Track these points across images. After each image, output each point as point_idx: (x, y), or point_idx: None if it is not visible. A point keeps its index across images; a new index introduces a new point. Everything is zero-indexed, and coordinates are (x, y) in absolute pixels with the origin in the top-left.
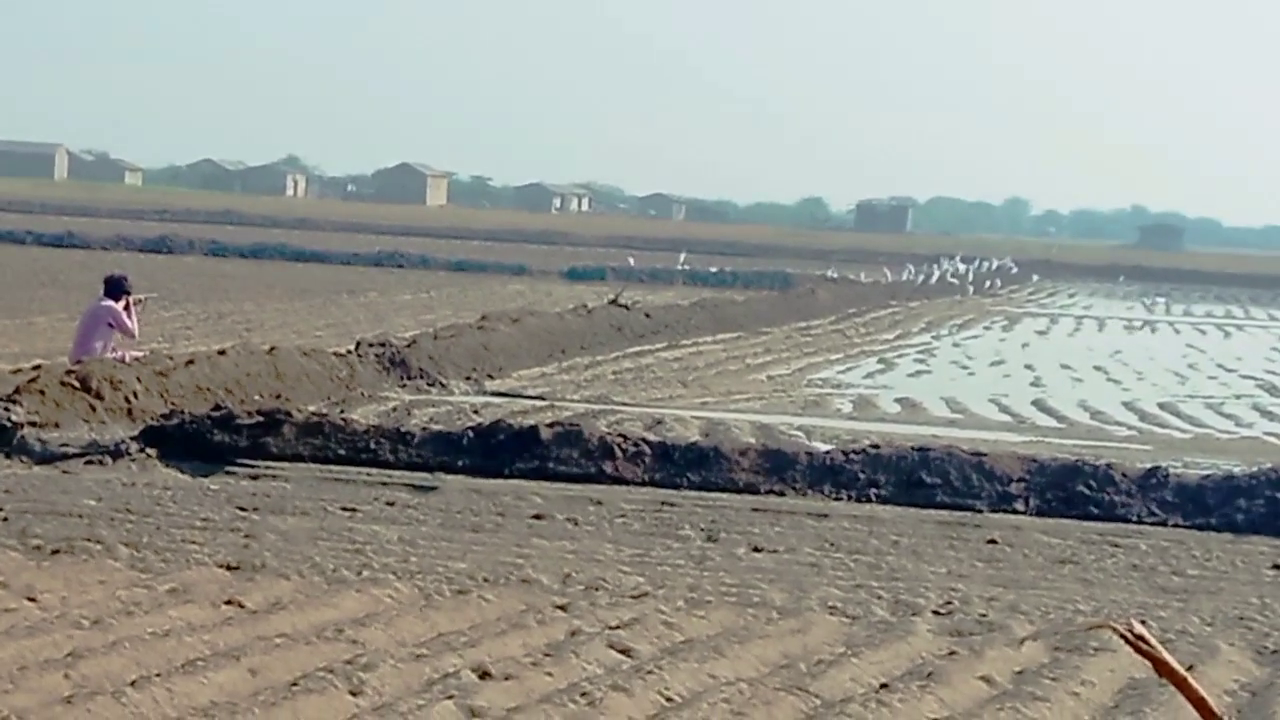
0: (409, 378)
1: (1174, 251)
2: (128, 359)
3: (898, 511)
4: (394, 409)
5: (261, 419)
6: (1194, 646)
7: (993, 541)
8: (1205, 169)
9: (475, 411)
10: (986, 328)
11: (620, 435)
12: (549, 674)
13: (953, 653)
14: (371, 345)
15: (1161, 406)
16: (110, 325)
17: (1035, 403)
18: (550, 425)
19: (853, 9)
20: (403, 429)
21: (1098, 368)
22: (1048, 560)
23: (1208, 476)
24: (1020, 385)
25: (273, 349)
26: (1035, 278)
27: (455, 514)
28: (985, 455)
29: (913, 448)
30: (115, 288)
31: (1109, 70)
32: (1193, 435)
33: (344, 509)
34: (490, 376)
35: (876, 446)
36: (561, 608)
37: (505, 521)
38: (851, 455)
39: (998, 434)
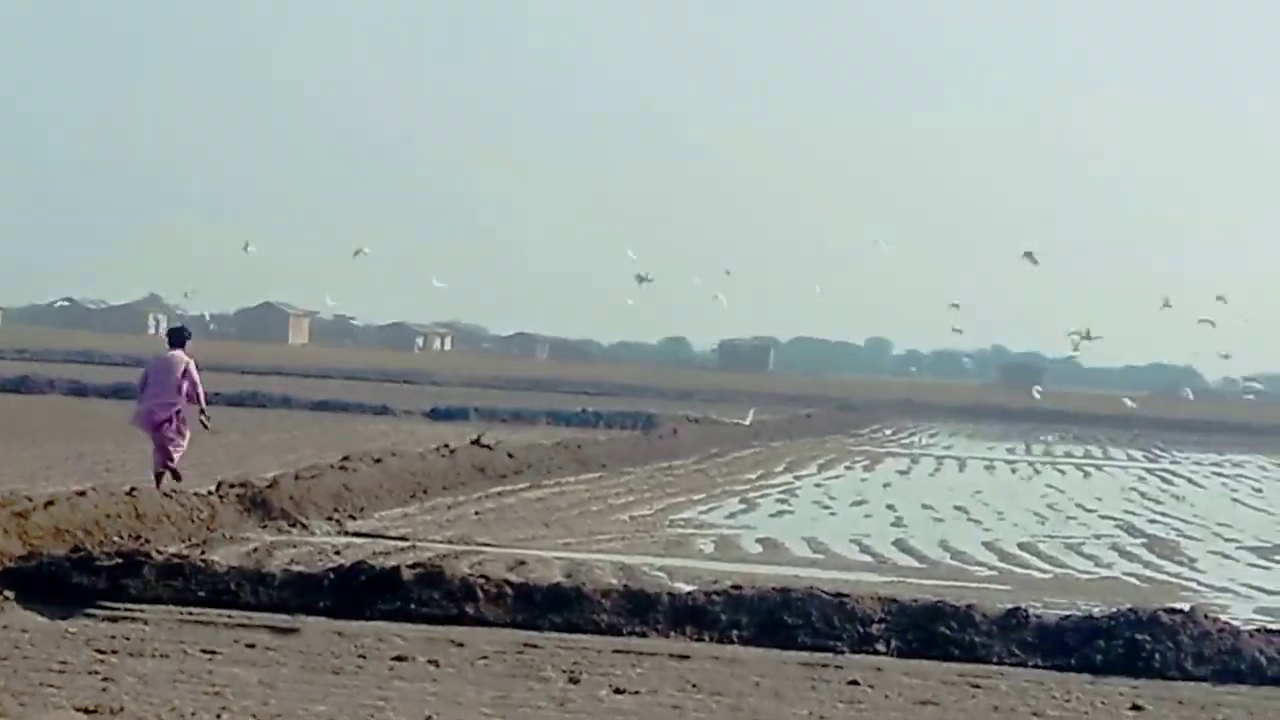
0: (270, 518)
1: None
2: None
3: (759, 653)
4: (254, 550)
5: (121, 560)
6: None
7: (854, 683)
8: (1061, 313)
9: (337, 552)
10: (848, 467)
11: (482, 576)
12: None
13: None
14: (232, 486)
15: (1021, 547)
16: (184, 376)
17: (896, 542)
18: (412, 566)
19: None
20: (263, 570)
21: (958, 507)
22: (909, 701)
23: (1067, 617)
24: (881, 525)
25: (132, 489)
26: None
27: (316, 656)
28: (847, 596)
29: (774, 588)
30: (180, 336)
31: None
32: (1052, 575)
33: (204, 651)
34: (352, 517)
35: (738, 587)
36: None
37: (366, 664)
38: (713, 596)
39: (859, 574)
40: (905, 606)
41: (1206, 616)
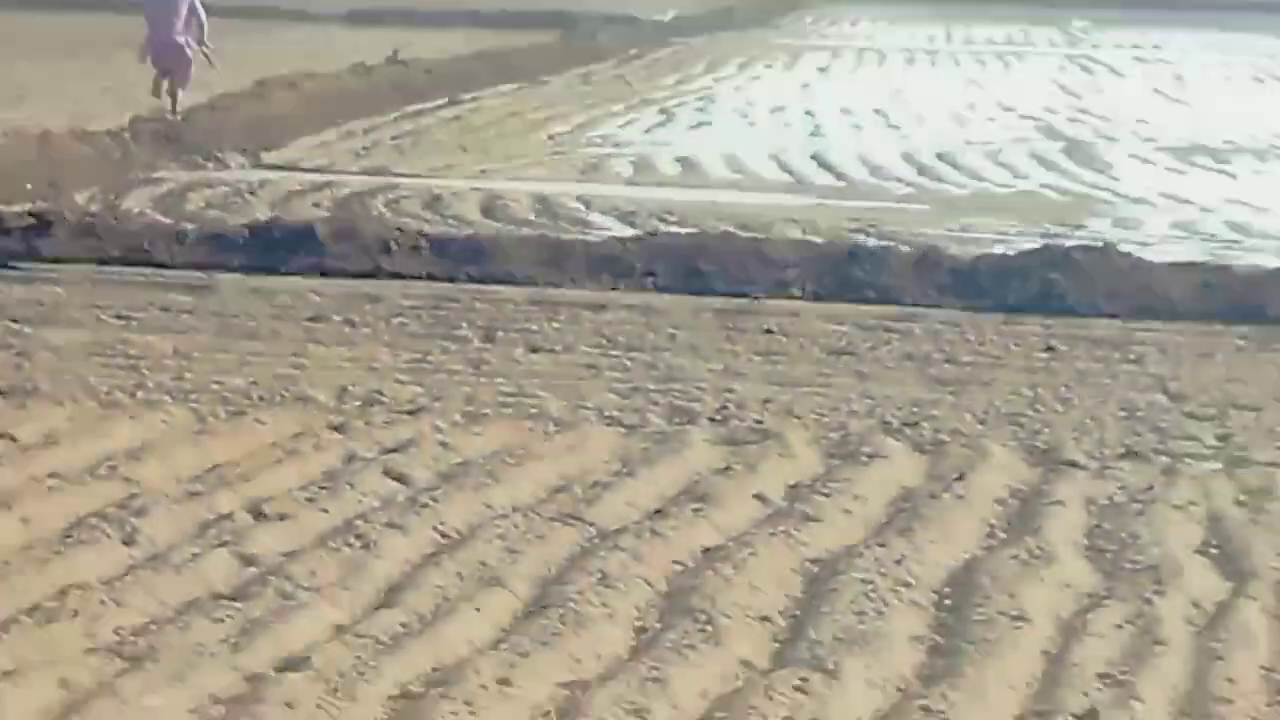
0: (184, 153)
1: None
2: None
3: (675, 300)
4: (170, 192)
5: (34, 220)
6: (966, 449)
7: (770, 331)
8: None
9: (252, 193)
10: (768, 66)
11: (397, 229)
12: (324, 510)
13: (728, 468)
14: (146, 121)
15: (940, 157)
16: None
17: (815, 157)
18: (327, 220)
19: None
20: (178, 229)
21: (878, 111)
22: (824, 351)
23: (982, 257)
24: (800, 136)
25: (45, 134)
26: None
27: (231, 319)
28: (762, 240)
29: (690, 234)
30: None
31: None
32: (970, 191)
33: (118, 317)
34: (267, 149)
35: (654, 234)
36: (337, 428)
37: (282, 326)
38: (629, 244)
39: (777, 196)
40: (821, 249)
41: (1120, 254)
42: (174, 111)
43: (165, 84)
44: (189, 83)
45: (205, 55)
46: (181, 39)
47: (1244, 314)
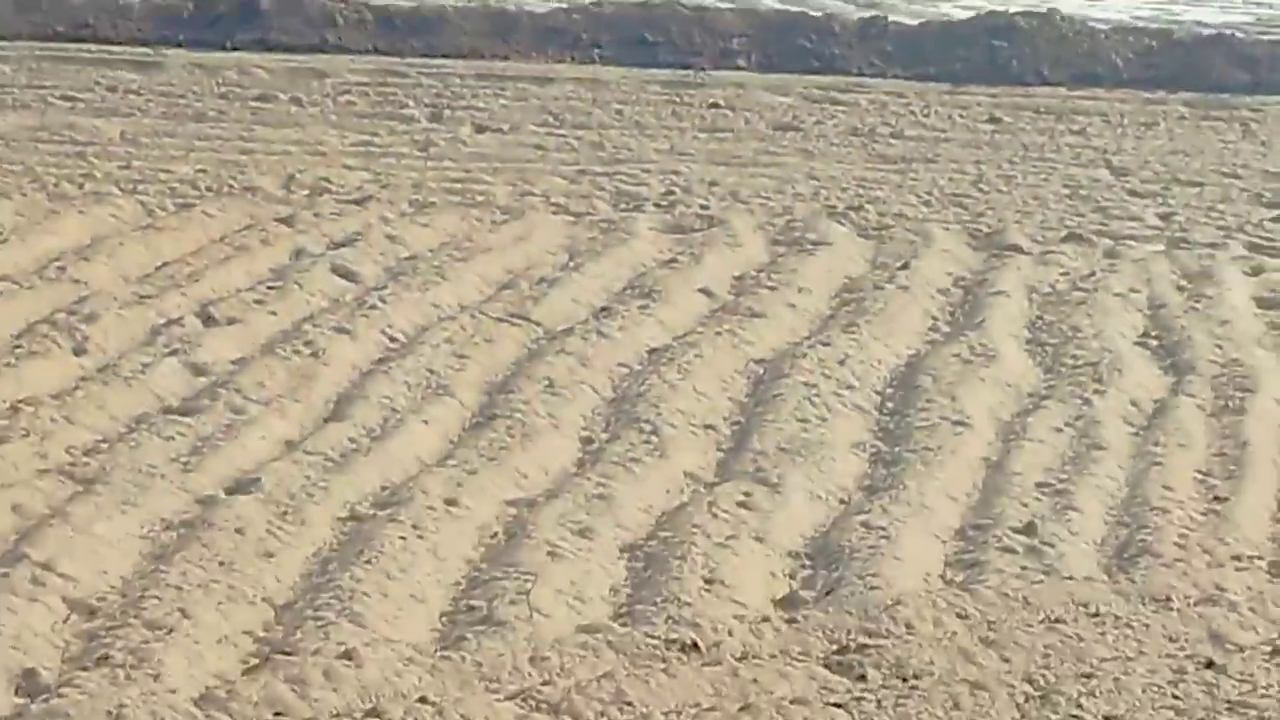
0: None
1: None
2: None
3: (621, 72)
4: None
5: None
6: (910, 234)
7: (716, 105)
8: None
9: None
10: None
11: (342, 1)
12: (273, 313)
13: (673, 259)
14: None
15: None
16: None
17: None
18: None
19: None
20: (121, 1)
21: None
22: (769, 126)
23: (925, 24)
24: None
25: None
26: None
27: (178, 99)
28: (706, 9)
29: (635, 3)
30: None
31: None
32: None
33: (64, 98)
34: None
35: (599, 4)
36: (285, 221)
37: (229, 106)
38: (574, 14)
39: None
40: (765, 18)
41: (1063, 19)
42: None
43: None
44: None
45: None
46: None
47: (1187, 81)
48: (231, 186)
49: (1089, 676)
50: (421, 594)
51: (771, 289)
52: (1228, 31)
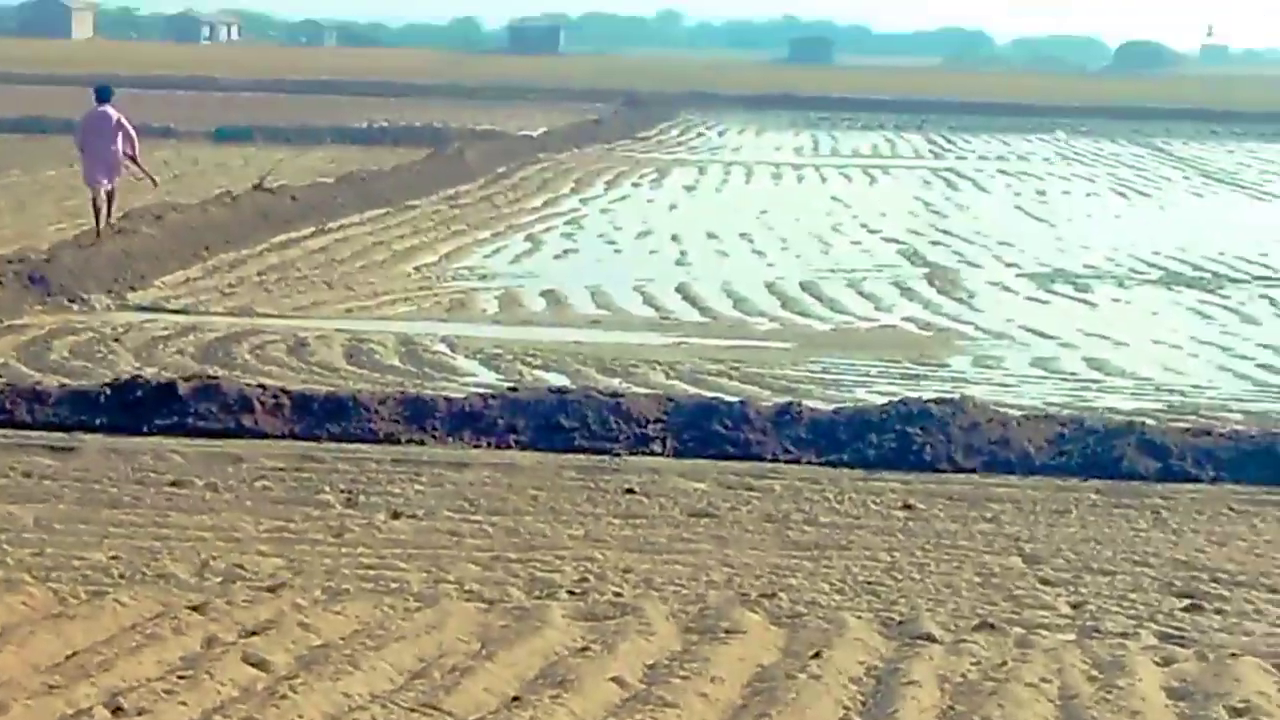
0: (50, 295)
1: (824, 65)
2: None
3: (537, 457)
4: (34, 340)
5: None
6: (823, 622)
7: (631, 491)
8: None
9: (116, 339)
10: (635, 184)
11: (260, 386)
12: (183, 703)
13: (585, 648)
14: (10, 262)
15: (804, 287)
16: (120, 129)
17: (680, 290)
18: (188, 379)
19: None
20: (39, 388)
21: (743, 235)
22: (684, 512)
23: (839, 411)
24: (666, 265)
25: None
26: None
27: (93, 485)
28: (622, 397)
29: (551, 390)
30: (107, 93)
31: None
32: (833, 326)
33: None
34: (133, 287)
35: (514, 389)
36: (197, 609)
37: (143, 492)
38: (490, 401)
39: (642, 335)
40: (680, 405)
41: (976, 406)
42: (99, 232)
43: (97, 202)
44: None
45: (144, 173)
46: (116, 157)
47: (1098, 468)
48: (144, 574)
49: None
50: None
51: (684, 678)
52: (1139, 419)
